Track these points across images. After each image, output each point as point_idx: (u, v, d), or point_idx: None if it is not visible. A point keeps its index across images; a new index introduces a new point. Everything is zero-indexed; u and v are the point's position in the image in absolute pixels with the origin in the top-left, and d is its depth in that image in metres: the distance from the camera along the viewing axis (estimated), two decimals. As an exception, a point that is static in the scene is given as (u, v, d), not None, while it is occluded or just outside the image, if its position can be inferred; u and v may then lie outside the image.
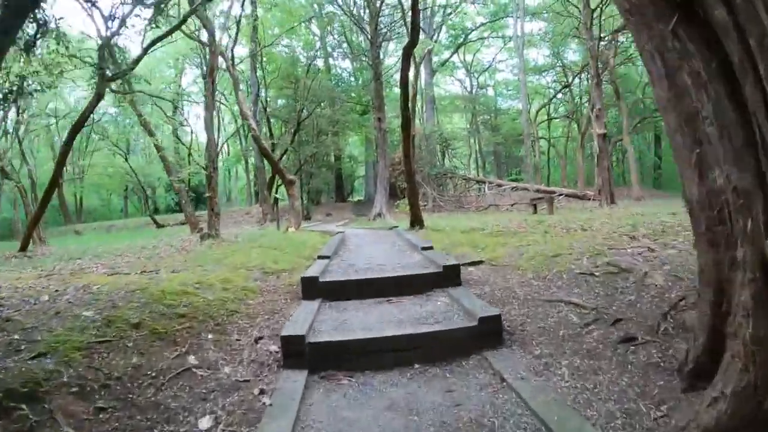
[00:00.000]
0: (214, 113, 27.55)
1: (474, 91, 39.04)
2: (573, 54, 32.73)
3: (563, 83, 33.23)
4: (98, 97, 10.69)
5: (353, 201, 33.12)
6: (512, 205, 20.52)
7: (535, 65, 35.52)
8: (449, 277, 4.97)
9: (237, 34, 14.00)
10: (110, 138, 30.79)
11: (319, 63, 28.65)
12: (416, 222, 10.79)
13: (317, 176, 25.69)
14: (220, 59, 12.48)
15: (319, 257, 6.41)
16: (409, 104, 11.15)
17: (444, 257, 5.72)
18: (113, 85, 11.85)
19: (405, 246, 7.88)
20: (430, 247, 6.63)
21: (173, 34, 11.88)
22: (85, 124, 13.58)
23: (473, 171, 37.00)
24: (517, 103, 42.38)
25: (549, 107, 36.17)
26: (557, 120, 39.32)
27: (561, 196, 19.46)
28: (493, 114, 39.07)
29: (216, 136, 30.37)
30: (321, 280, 4.90)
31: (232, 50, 13.44)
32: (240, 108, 12.91)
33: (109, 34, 10.45)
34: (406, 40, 11.47)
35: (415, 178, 10.77)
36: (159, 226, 26.13)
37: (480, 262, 6.00)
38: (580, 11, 18.17)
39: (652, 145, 37.29)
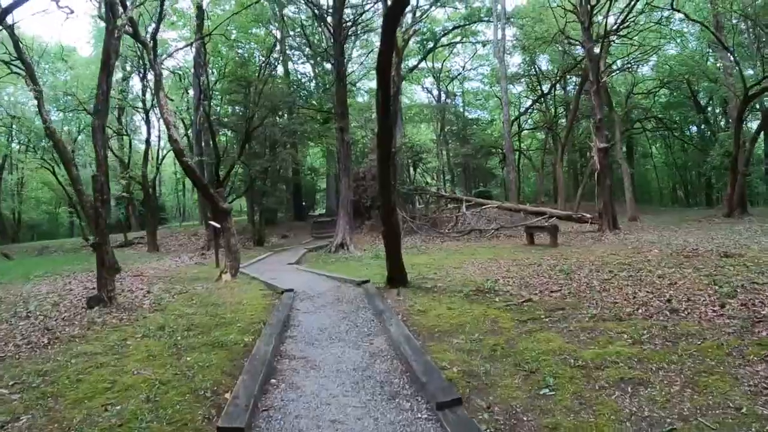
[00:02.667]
0: (156, 119, 23.98)
1: (443, 100, 36.86)
2: (545, 63, 31.20)
3: (538, 92, 31.59)
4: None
5: (314, 218, 30.05)
6: (497, 230, 18.07)
7: (507, 73, 33.77)
8: None
9: (161, 14, 10.91)
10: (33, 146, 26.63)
11: (278, 69, 25.68)
12: (396, 277, 8.04)
13: (271, 194, 22.53)
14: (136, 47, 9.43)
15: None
16: (391, 105, 7.72)
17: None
18: None
19: (395, 372, 4.39)
20: (459, 401, 3.49)
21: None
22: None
23: (444, 186, 34.69)
24: (485, 114, 40.78)
25: (520, 119, 34.41)
26: (531, 131, 37.81)
27: (552, 219, 17.21)
28: (461, 124, 37.00)
29: (156, 146, 26.78)
30: None
31: (153, 37, 10.34)
32: (160, 112, 9.81)
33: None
34: (374, 44, 8.57)
35: (396, 215, 7.98)
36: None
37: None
38: (574, 10, 15.98)
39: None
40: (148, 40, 10.66)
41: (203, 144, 20.38)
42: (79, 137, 25.87)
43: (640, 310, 5.55)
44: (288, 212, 29.65)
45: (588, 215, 17.03)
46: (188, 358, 4.85)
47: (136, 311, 7.28)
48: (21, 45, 10.83)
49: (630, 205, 20.73)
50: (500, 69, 27.55)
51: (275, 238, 23.55)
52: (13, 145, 28.72)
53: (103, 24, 20.52)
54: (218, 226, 13.43)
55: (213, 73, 21.52)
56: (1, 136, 26.62)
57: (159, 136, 24.10)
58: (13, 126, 24.09)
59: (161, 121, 34.88)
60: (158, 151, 22.93)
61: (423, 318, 6.19)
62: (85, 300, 7.70)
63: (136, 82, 22.85)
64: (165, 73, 16.14)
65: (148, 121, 21.02)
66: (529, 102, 34.81)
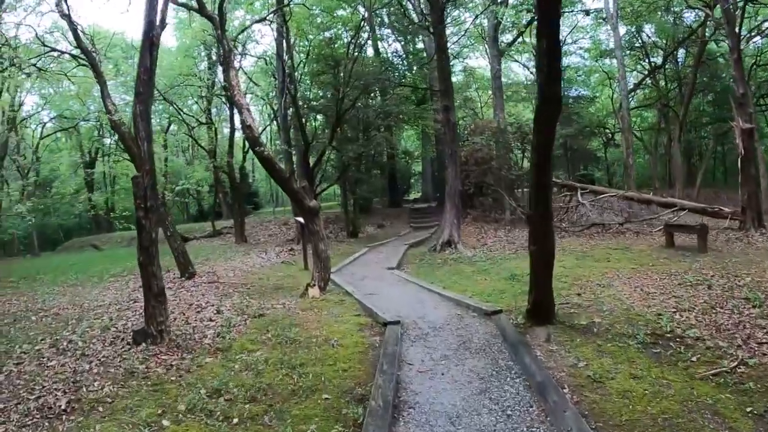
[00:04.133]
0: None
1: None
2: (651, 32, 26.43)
3: (646, 66, 26.70)
4: None
5: (410, 205, 27.84)
6: (622, 224, 14.62)
7: (606, 48, 29.01)
8: None
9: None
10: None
11: (368, 50, 23.56)
12: (542, 310, 5.44)
13: (365, 181, 20.55)
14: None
15: None
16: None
17: None
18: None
19: None
20: None
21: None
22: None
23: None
24: (585, 92, 35.77)
25: (632, 95, 29.53)
26: (637, 110, 32.59)
27: (684, 212, 13.49)
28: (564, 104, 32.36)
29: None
30: None
31: (220, 8, 8.52)
32: (231, 93, 7.96)
33: None
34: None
35: (551, 228, 5.17)
36: (184, 239, 22.03)
37: None
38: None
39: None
40: (215, 13, 8.90)
41: (291, 130, 18.85)
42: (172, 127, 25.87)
43: None
44: (383, 197, 27.71)
45: (726, 209, 13.16)
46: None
47: (192, 351, 5.46)
48: (81, 35, 10.02)
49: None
50: (614, 37, 23.06)
51: (370, 227, 21.67)
52: (106, 140, 29.60)
53: (183, 13, 19.50)
54: (303, 222, 11.68)
55: (299, 57, 19.91)
56: (93, 130, 27.52)
57: (242, 123, 23.08)
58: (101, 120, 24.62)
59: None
60: (244, 141, 21.93)
61: (603, 399, 3.78)
62: (131, 332, 6.05)
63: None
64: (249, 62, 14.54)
65: (232, 109, 19.97)
66: (635, 77, 29.76)
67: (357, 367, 4.75)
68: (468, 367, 4.66)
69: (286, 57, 16.72)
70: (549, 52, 4.48)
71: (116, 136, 30.95)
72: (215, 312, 7.32)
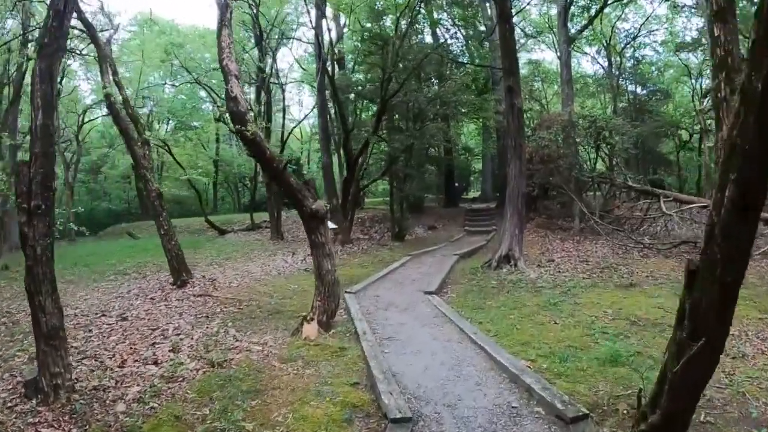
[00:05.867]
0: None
1: (614, 69, 28.40)
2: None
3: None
4: None
5: (467, 205, 25.05)
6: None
7: (682, 41, 25.18)
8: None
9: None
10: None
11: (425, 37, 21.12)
12: (676, 423, 2.87)
13: (416, 178, 18.10)
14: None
15: None
16: None
17: None
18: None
19: None
20: None
21: None
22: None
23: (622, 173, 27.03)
24: (652, 88, 31.09)
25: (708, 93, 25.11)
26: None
27: None
28: (638, 99, 28.10)
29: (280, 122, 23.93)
30: None
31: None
32: (218, 56, 5.85)
33: None
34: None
35: (743, 271, 2.57)
36: (221, 232, 20.79)
37: None
38: None
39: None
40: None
41: (335, 115, 16.77)
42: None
43: None
44: (439, 196, 25.17)
45: None
46: None
47: (85, 428, 3.47)
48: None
49: None
50: (703, 24, 18.95)
51: (420, 229, 19.26)
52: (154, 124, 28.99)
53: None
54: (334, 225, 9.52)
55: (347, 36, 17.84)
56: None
57: (283, 111, 21.08)
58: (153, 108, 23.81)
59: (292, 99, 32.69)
60: (282, 127, 20.16)
61: None
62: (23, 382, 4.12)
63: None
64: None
65: (268, 93, 18.21)
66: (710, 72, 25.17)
67: None
68: None
69: (329, 24, 14.52)
70: None
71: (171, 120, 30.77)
72: (169, 349, 5.29)
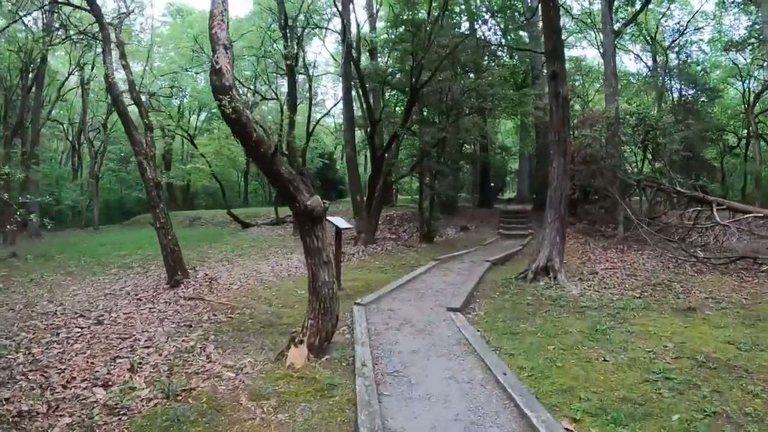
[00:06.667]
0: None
1: (659, 67, 26.14)
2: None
3: None
4: None
5: (502, 206, 23.59)
6: None
7: (731, 39, 22.63)
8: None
9: None
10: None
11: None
12: None
13: (447, 176, 16.84)
14: None
15: None
16: None
17: None
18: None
19: None
20: None
21: None
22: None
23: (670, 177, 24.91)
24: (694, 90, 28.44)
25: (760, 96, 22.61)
26: None
27: None
28: (686, 99, 25.70)
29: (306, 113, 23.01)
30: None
31: None
32: (209, 24, 4.89)
33: None
34: None
35: None
36: (245, 225, 20.23)
37: None
38: None
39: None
40: None
41: (361, 104, 15.75)
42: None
43: None
44: (474, 195, 23.81)
45: None
46: None
47: None
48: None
49: None
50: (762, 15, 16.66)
51: (452, 230, 18.02)
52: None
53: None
54: (338, 225, 8.54)
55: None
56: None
57: (309, 101, 20.04)
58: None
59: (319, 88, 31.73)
60: (308, 117, 19.18)
61: None
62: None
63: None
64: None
65: (294, 82, 17.31)
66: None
67: None
68: None
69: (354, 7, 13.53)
70: None
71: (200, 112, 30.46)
72: (127, 368, 4.39)
